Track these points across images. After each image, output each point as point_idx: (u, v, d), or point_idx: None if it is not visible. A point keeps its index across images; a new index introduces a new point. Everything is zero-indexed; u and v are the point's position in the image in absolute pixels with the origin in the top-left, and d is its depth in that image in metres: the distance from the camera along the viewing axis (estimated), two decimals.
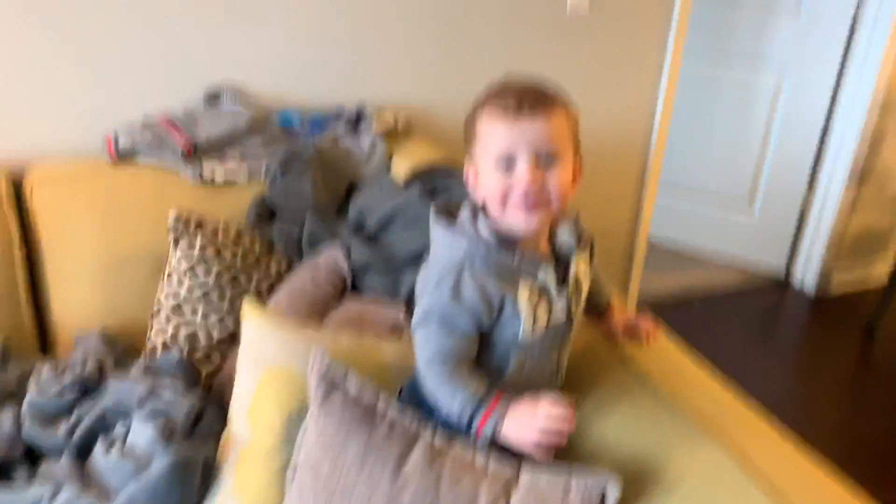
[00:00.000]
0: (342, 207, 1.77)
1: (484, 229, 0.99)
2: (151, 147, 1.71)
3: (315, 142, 1.84)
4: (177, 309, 1.54)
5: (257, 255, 1.61)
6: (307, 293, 1.52)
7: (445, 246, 1.01)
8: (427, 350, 0.99)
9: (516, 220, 0.98)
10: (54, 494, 1.18)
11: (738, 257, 3.34)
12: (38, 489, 1.20)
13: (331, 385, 1.05)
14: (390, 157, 1.89)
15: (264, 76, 1.92)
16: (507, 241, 1.00)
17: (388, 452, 1.00)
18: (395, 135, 1.97)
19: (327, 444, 1.03)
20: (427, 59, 2.08)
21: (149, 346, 1.57)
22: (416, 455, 1.00)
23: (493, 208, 0.99)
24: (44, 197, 1.62)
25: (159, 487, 1.17)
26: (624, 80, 2.37)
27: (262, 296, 1.59)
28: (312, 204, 1.70)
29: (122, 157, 1.70)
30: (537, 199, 0.96)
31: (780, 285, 3.26)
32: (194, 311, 1.54)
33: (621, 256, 2.69)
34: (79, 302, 1.62)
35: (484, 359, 1.03)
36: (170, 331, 1.54)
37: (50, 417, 1.32)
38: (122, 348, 1.58)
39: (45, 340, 1.67)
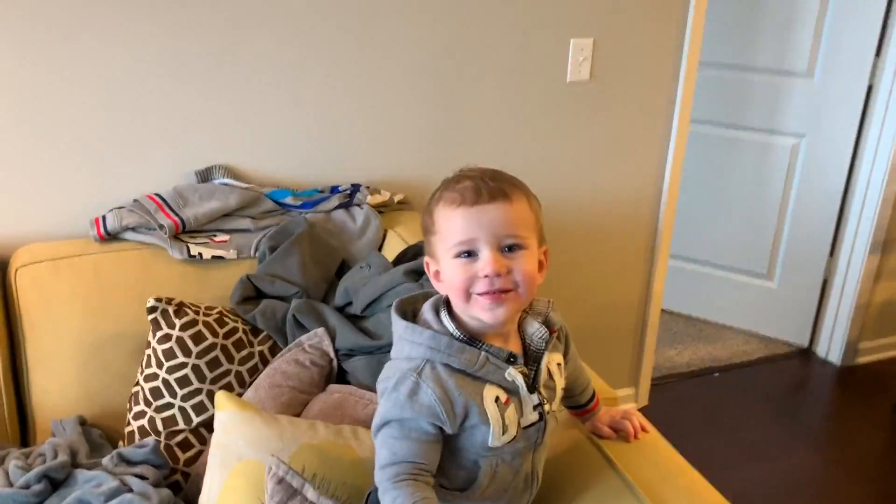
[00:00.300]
0: (332, 284, 1.72)
1: (448, 325, 0.94)
2: (139, 226, 1.68)
3: (307, 216, 1.80)
4: (155, 391, 1.50)
5: (240, 337, 1.56)
6: (290, 376, 1.48)
7: (406, 342, 0.94)
8: (382, 456, 0.92)
9: (482, 311, 0.91)
10: None
11: (758, 327, 3.22)
12: None
13: (289, 492, 0.99)
14: (385, 233, 1.85)
15: (258, 159, 1.89)
16: (472, 338, 0.93)
17: None
18: (391, 209, 1.94)
19: None
20: (426, 132, 2.04)
21: (127, 430, 1.53)
22: None
23: (457, 302, 0.93)
24: (27, 276, 1.58)
25: None
26: (629, 146, 2.31)
27: (244, 378, 1.54)
28: (300, 284, 1.65)
29: (110, 236, 1.68)
30: (503, 287, 0.90)
31: (804, 355, 3.13)
32: (173, 394, 1.49)
33: (634, 330, 2.60)
34: (59, 386, 1.58)
35: (452, 465, 0.96)
36: (148, 414, 1.50)
37: None
38: (100, 435, 1.53)
39: (24, 426, 1.62)
